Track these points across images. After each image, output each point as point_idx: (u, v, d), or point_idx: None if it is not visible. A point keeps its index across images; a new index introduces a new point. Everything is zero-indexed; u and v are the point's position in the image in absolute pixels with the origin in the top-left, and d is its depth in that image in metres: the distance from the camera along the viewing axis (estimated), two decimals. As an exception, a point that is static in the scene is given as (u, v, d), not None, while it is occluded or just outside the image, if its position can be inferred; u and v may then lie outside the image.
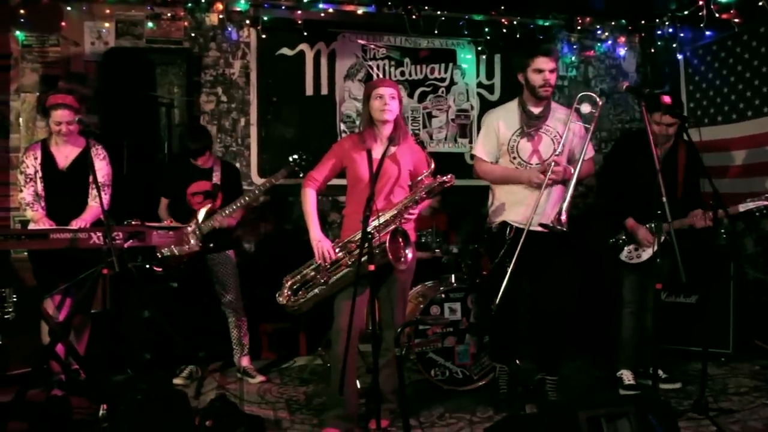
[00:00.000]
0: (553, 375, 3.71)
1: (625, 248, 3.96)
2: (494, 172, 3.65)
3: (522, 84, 3.62)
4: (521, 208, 3.52)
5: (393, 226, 3.20)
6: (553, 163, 3.42)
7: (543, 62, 3.47)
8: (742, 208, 3.67)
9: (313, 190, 3.44)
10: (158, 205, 4.33)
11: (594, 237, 4.16)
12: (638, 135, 4.11)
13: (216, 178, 4.24)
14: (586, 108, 3.64)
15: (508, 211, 3.59)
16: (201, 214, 4.12)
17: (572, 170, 3.47)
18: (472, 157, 3.80)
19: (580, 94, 3.69)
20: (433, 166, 3.33)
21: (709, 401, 3.51)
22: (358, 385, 3.53)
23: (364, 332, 3.67)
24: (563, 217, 3.34)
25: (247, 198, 4.17)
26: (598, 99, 3.60)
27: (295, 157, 4.13)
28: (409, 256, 3.21)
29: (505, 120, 3.62)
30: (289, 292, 3.39)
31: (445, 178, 3.21)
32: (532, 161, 3.56)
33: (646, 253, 3.91)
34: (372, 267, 2.97)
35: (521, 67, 3.58)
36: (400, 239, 3.20)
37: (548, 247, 3.50)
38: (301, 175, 4.13)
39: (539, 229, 3.44)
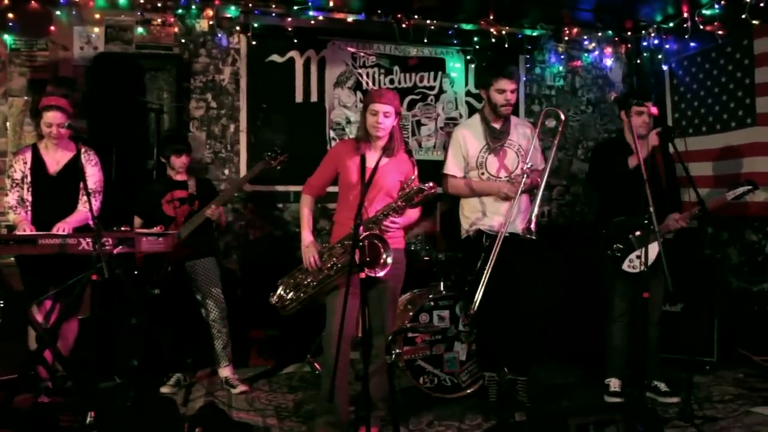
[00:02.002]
0: (523, 376, 3.82)
1: (627, 258, 3.91)
2: (469, 186, 3.78)
3: (484, 99, 3.81)
4: (494, 216, 3.69)
5: (367, 233, 3.13)
6: (525, 175, 3.58)
7: (505, 84, 3.65)
8: (730, 196, 3.82)
9: (311, 196, 3.49)
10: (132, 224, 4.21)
11: (592, 249, 4.14)
12: (616, 143, 4.11)
13: (191, 188, 4.27)
14: (551, 122, 3.81)
15: (481, 219, 3.72)
16: (185, 219, 4.10)
17: (539, 179, 3.65)
18: (444, 175, 3.86)
19: (545, 109, 3.91)
20: (416, 172, 3.33)
21: (694, 409, 3.56)
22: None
23: (355, 339, 3.67)
24: (533, 226, 3.48)
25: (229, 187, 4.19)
26: (561, 114, 3.84)
27: (270, 153, 4.24)
28: (389, 262, 3.13)
29: (471, 137, 3.78)
30: (281, 293, 3.45)
31: (423, 185, 3.17)
32: (501, 175, 3.74)
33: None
34: (363, 274, 2.98)
35: (484, 85, 3.79)
36: (379, 245, 3.15)
37: (520, 252, 3.61)
38: (278, 168, 4.26)
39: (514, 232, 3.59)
